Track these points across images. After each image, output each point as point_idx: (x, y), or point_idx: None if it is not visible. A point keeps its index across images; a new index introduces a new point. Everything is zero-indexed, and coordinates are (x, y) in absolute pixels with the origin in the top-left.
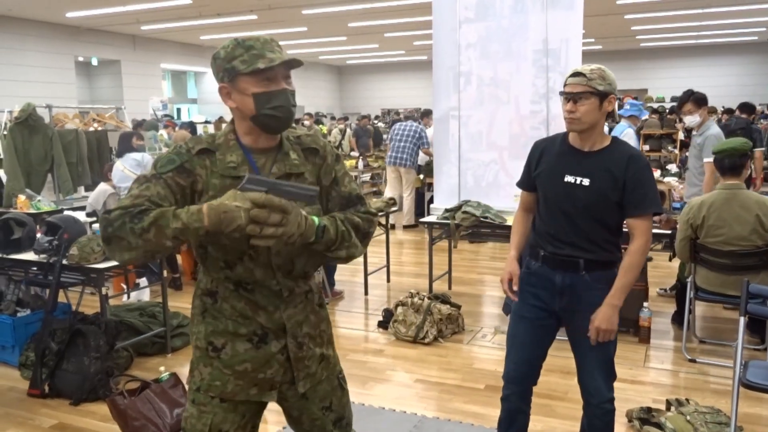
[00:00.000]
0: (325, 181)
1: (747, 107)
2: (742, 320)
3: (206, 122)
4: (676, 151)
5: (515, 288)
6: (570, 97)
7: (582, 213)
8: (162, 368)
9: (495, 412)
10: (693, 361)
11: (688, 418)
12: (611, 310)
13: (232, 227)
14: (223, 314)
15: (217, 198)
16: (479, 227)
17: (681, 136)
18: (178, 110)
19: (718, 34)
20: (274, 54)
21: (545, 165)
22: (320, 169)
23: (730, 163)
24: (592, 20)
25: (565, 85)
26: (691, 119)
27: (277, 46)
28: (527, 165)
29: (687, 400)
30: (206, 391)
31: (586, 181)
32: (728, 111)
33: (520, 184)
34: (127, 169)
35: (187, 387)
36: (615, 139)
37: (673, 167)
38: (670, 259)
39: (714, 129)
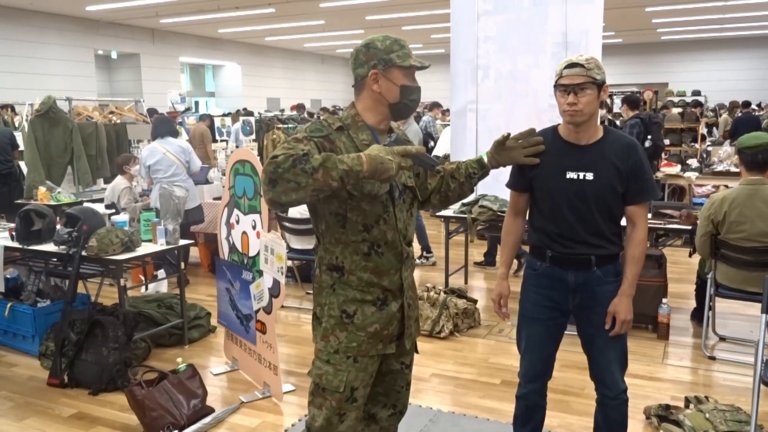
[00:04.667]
0: None
1: (630, 101)
2: (763, 317)
3: (224, 115)
4: (697, 146)
5: (504, 309)
6: (570, 89)
7: (591, 208)
8: (179, 359)
9: (511, 407)
10: (712, 358)
11: (707, 415)
12: (629, 299)
13: (386, 176)
14: (350, 286)
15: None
16: (496, 221)
17: (703, 129)
18: (196, 103)
19: (741, 27)
20: (413, 56)
21: (543, 163)
22: None
23: (763, 158)
24: (612, 13)
25: (560, 77)
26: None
27: None
28: (518, 164)
29: (706, 397)
30: (344, 352)
31: (589, 176)
32: (745, 104)
33: (511, 186)
34: (170, 152)
35: (316, 351)
36: (607, 128)
37: (693, 162)
38: (690, 255)
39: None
